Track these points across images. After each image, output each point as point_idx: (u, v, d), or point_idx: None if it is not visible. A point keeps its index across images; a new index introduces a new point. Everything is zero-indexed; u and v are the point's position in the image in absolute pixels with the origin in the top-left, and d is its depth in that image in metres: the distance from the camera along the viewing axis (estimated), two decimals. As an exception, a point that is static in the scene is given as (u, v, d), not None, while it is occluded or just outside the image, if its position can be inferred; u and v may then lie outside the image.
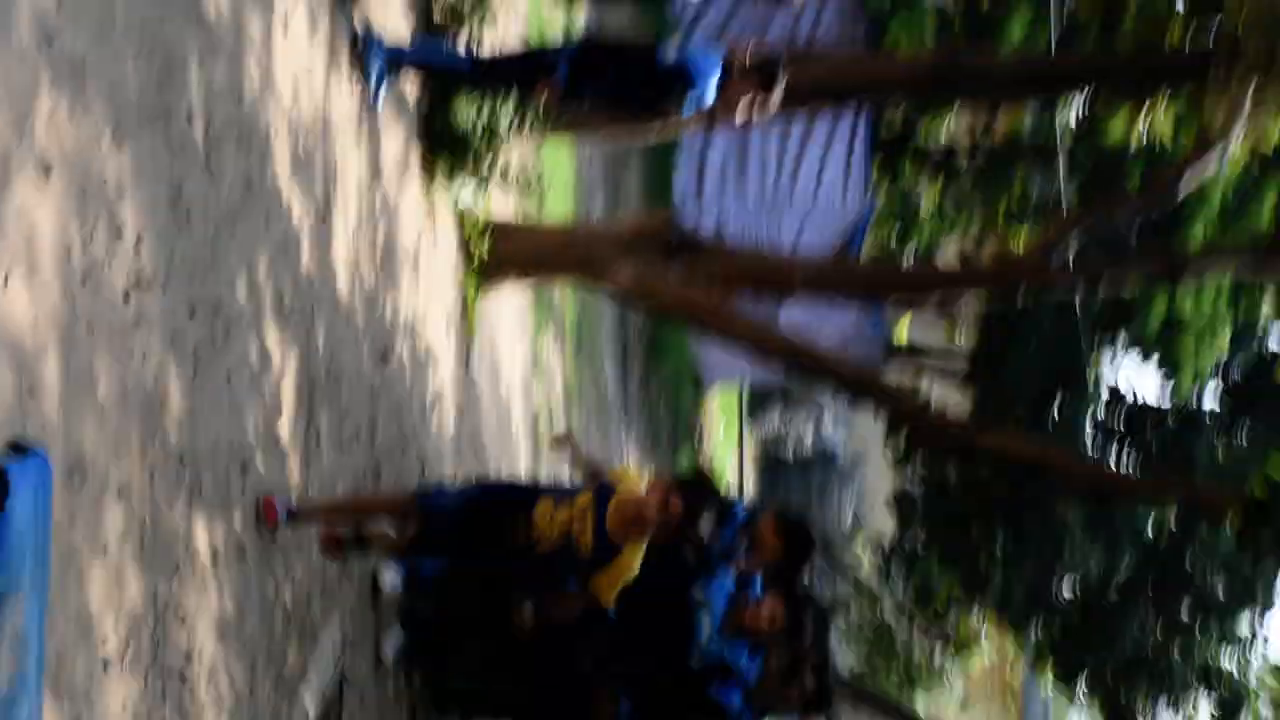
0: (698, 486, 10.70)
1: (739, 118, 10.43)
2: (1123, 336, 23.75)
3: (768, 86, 10.71)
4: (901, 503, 24.42)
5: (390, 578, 9.82)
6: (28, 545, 4.26)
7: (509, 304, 13.84)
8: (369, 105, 10.24)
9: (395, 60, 11.30)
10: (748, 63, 10.67)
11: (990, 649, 28.39)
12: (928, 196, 24.88)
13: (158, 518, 6.26)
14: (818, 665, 10.11)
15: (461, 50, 11.85)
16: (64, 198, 5.51)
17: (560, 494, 9.05)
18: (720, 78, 10.77)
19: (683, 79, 10.93)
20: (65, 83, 5.60)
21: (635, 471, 9.36)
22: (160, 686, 6.21)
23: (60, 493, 5.16)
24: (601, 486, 8.82)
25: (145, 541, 6.14)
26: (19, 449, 4.48)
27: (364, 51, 10.92)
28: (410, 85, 11.44)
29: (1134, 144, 20.61)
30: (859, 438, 32.76)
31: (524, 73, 11.77)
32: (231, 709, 7.00)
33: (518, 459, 14.64)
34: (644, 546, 9.04)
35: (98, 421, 5.69)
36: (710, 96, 10.92)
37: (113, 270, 5.90)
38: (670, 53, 10.92)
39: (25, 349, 5.06)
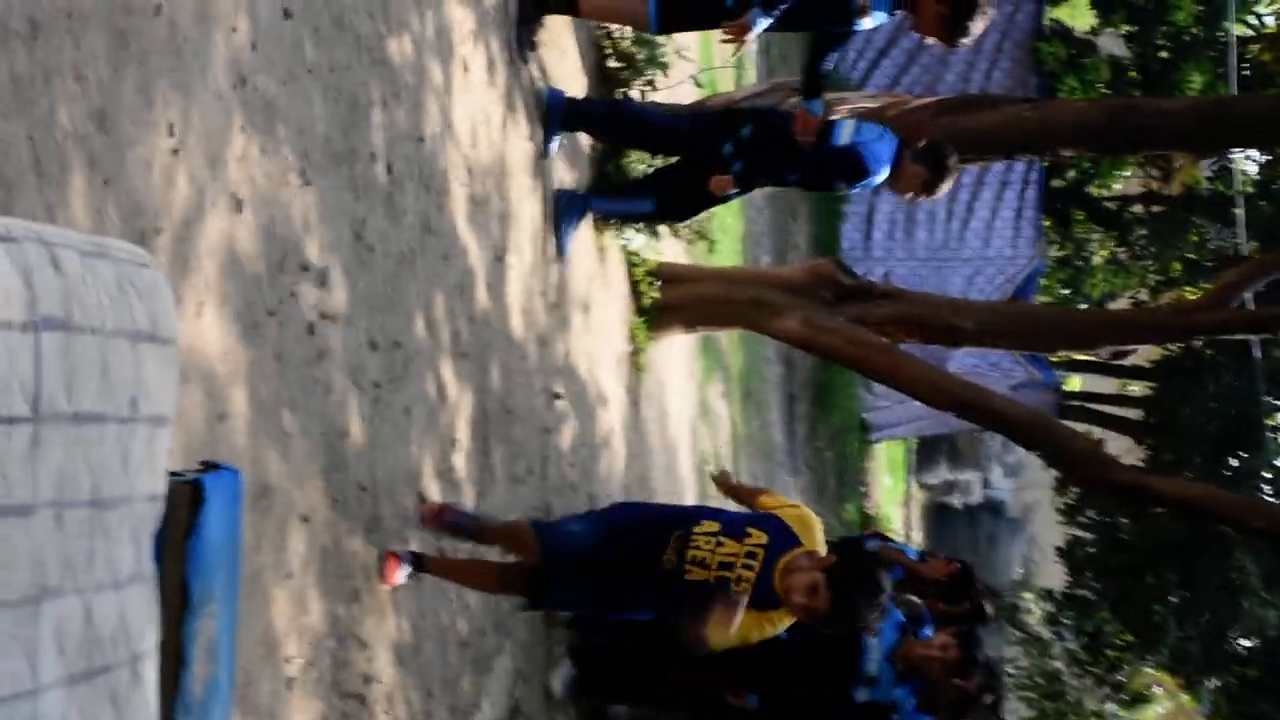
0: (860, 568, 8.84)
1: (906, 200, 10.31)
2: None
3: (938, 175, 10.55)
4: (1073, 552, 24.24)
5: (559, 679, 10.15)
6: (220, 556, 4.66)
7: (677, 350, 13.92)
8: (543, 152, 10.42)
9: (569, 123, 11.55)
10: (920, 150, 10.47)
11: (1165, 701, 27.78)
12: (1101, 247, 24.74)
13: (339, 545, 6.38)
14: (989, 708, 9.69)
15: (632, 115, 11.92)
16: (254, 232, 5.63)
17: (729, 521, 8.25)
18: (892, 162, 10.43)
19: (857, 168, 10.86)
20: (257, 122, 5.71)
21: (812, 521, 8.42)
22: (341, 708, 6.35)
23: (248, 516, 5.21)
24: (780, 531, 8.11)
25: (327, 567, 6.26)
26: (211, 467, 4.53)
27: (544, 110, 11.16)
28: (584, 135, 11.38)
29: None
30: (1028, 487, 32.49)
31: (698, 169, 11.57)
32: None
33: (685, 503, 14.82)
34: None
35: (283, 449, 5.79)
36: (880, 180, 10.69)
37: (299, 303, 6.03)
38: (843, 133, 10.77)
39: (216, 376, 5.17)
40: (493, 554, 8.44)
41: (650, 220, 12.04)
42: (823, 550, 7.65)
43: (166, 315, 3.62)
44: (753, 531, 7.81)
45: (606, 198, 11.82)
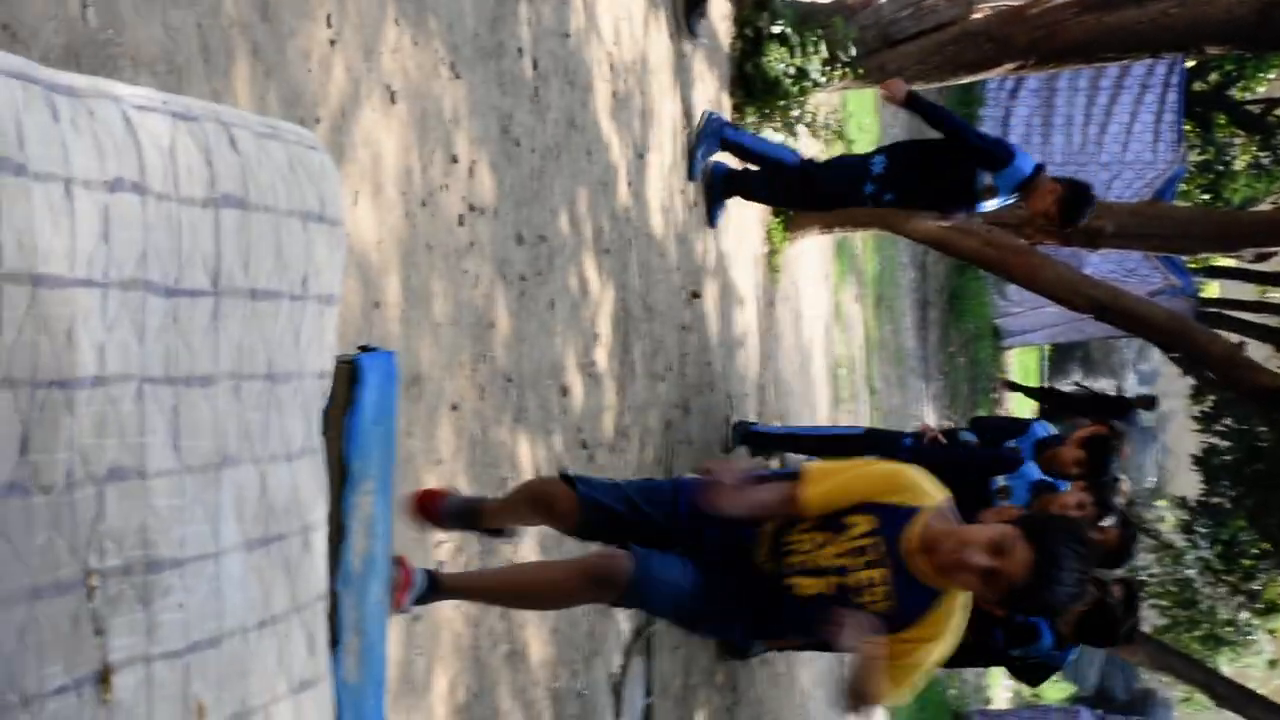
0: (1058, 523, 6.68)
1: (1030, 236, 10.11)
2: None
3: (1071, 216, 10.49)
4: (1208, 460, 24.07)
5: None
6: (376, 434, 4.82)
7: (813, 252, 13.98)
8: (684, 48, 10.52)
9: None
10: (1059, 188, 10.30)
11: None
12: (1243, 151, 24.42)
13: (486, 434, 6.50)
14: (1118, 621, 9.59)
15: None
16: (406, 125, 5.76)
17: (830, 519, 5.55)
18: (1029, 180, 10.52)
19: (1002, 155, 10.74)
20: (410, 15, 5.88)
21: (904, 475, 5.75)
22: None
23: (400, 401, 5.33)
24: (886, 508, 5.55)
25: (475, 455, 6.41)
26: (369, 350, 4.77)
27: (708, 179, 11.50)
28: (725, 28, 11.51)
29: None
30: (1163, 395, 32.01)
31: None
32: (556, 620, 7.55)
33: (818, 405, 14.78)
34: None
35: (434, 338, 5.98)
36: (1016, 183, 10.69)
37: (449, 195, 6.18)
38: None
39: (371, 265, 5.34)
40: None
41: (780, 175, 11.91)
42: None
43: (334, 197, 3.75)
44: (856, 523, 5.45)
45: (750, 137, 11.92)
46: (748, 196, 11.91)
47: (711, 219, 10.92)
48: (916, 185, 10.79)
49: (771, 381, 12.94)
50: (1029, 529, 4.90)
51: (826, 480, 5.41)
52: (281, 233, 3.58)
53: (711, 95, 10.98)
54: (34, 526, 2.79)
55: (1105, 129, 20.46)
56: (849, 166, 11.25)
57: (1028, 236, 9.99)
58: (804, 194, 11.81)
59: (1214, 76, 22.19)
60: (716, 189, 10.96)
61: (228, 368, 3.50)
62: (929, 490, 5.25)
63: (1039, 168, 10.21)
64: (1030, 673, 10.26)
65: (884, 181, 10.77)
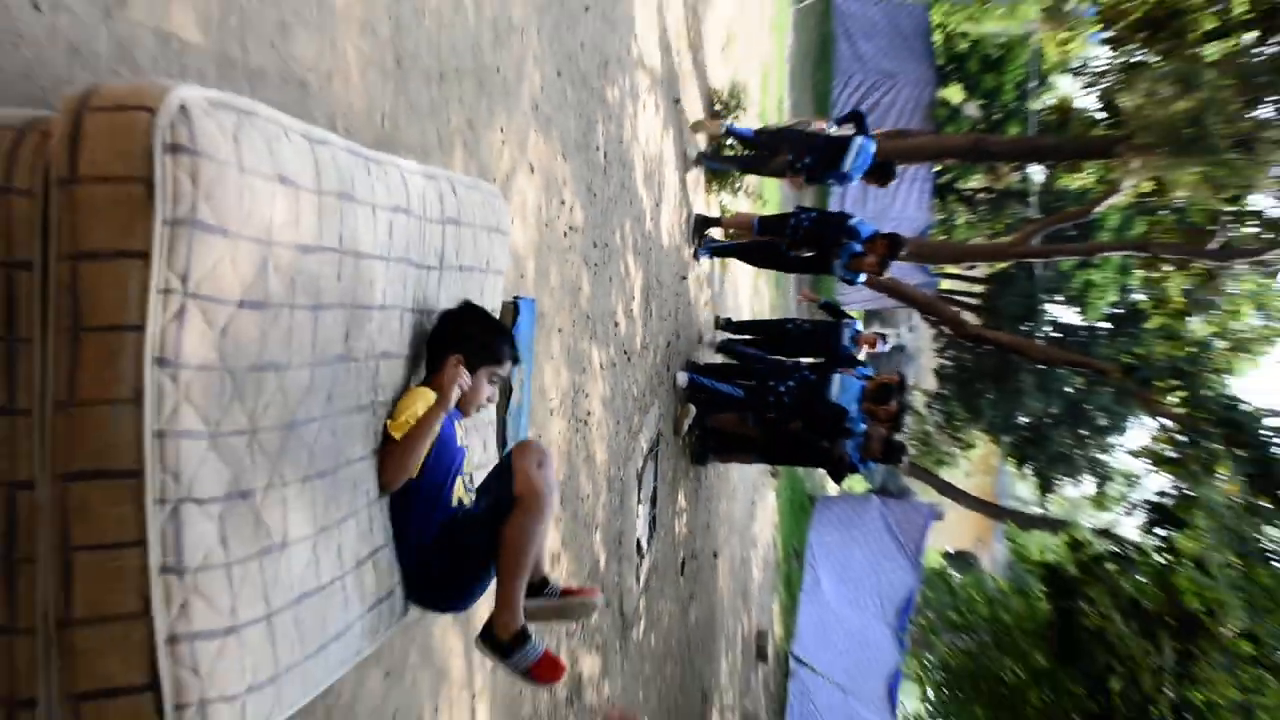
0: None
1: (861, 278, 10.66)
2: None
3: (893, 256, 9.86)
4: (941, 371, 24.69)
5: (681, 378, 10.29)
6: (527, 341, 5.34)
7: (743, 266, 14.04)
8: (686, 150, 11.02)
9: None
10: (883, 244, 9.98)
11: (983, 447, 27.92)
12: (961, 213, 24.73)
13: (576, 345, 7.24)
14: (894, 442, 10.00)
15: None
16: (539, 184, 6.55)
17: None
18: (871, 238, 10.08)
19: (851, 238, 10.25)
20: (542, 130, 6.59)
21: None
22: (575, 427, 7.17)
23: (536, 327, 6.19)
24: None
25: (570, 356, 7.05)
26: (519, 298, 5.21)
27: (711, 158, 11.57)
28: (704, 138, 12.29)
29: (1075, 187, 20.56)
30: (919, 334, 31.98)
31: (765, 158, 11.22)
32: (609, 441, 7.94)
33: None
34: None
35: (550, 294, 6.67)
36: (868, 237, 10.21)
37: (560, 221, 6.96)
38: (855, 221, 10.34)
39: (519, 256, 6.07)
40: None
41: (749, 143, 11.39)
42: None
43: (504, 220, 4.18)
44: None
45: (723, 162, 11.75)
46: (724, 255, 11.99)
47: (696, 256, 11.19)
48: (822, 240, 10.38)
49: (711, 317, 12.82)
50: (459, 351, 3.44)
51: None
52: (477, 237, 3.87)
53: (696, 176, 11.71)
54: (350, 377, 3.03)
55: (894, 199, 20.31)
56: (779, 221, 10.94)
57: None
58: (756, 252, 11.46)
59: (948, 174, 22.44)
60: (705, 248, 11.21)
61: (449, 304, 3.65)
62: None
63: (875, 232, 10.15)
64: (845, 473, 10.15)
65: (805, 234, 10.29)
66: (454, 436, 3.58)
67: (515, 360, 3.80)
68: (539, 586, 3.79)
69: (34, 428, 2.23)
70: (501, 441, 4.68)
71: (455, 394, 3.40)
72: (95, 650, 2.15)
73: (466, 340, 3.49)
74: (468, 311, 3.59)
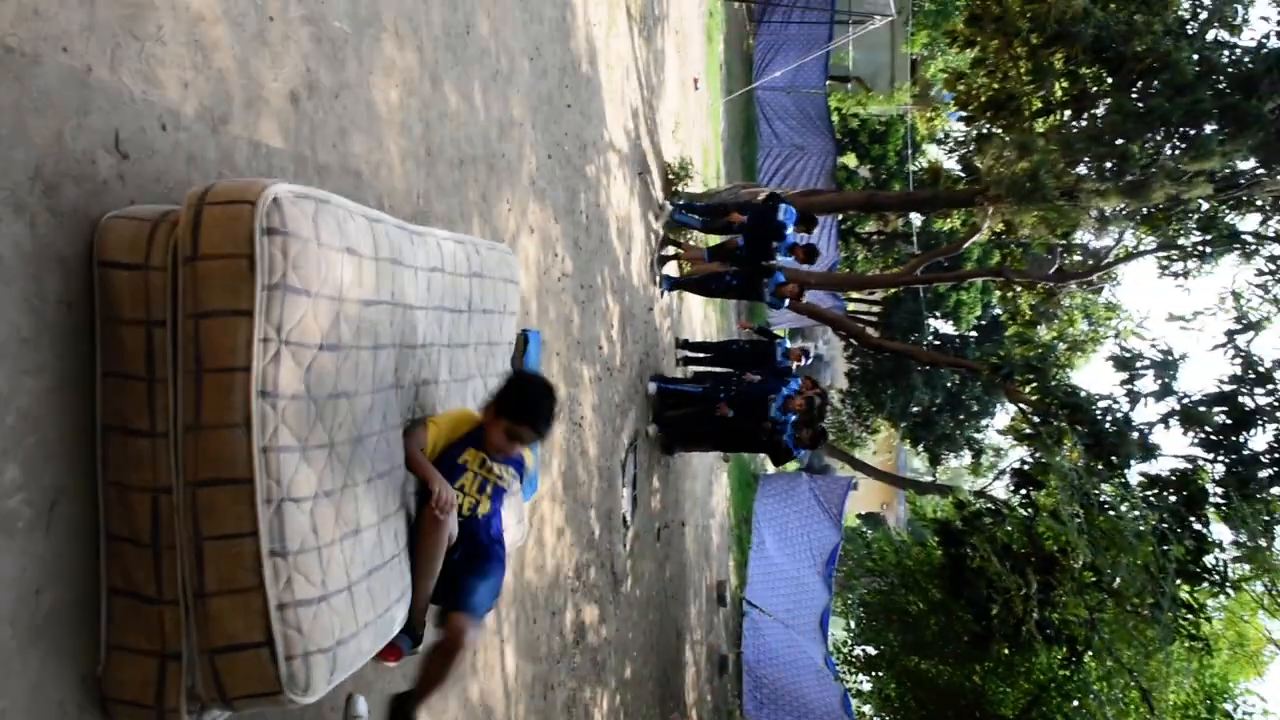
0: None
1: (785, 303, 10.89)
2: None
3: (810, 260, 10.08)
4: (852, 374, 24.80)
5: (651, 387, 10.17)
6: (534, 364, 5.31)
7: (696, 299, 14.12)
8: (647, 215, 10.71)
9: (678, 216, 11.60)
10: (801, 251, 10.11)
11: (886, 431, 27.85)
12: (860, 251, 24.44)
13: (570, 365, 7.16)
14: (819, 431, 10.30)
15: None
16: (537, 242, 6.54)
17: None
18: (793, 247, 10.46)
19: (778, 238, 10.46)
20: (539, 197, 6.57)
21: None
22: (572, 429, 7.09)
23: (542, 351, 6.29)
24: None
25: (566, 373, 6.98)
26: (528, 330, 5.26)
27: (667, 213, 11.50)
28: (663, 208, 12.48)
29: (946, 229, 20.31)
30: (833, 346, 31.63)
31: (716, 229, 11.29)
32: (598, 439, 7.85)
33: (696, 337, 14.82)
34: None
35: (549, 326, 6.59)
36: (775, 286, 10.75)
37: (555, 268, 6.94)
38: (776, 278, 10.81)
39: (524, 298, 6.05)
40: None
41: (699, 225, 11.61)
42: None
43: (516, 271, 4.16)
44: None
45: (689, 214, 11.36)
46: (681, 288, 11.89)
47: (662, 290, 11.01)
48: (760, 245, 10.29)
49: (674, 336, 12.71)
50: (511, 417, 3.19)
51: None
52: (496, 287, 3.95)
53: (655, 230, 11.38)
54: (397, 402, 3.12)
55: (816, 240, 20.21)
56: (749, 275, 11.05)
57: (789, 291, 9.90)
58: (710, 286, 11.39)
59: (849, 222, 22.21)
60: (665, 284, 11.16)
61: (474, 339, 3.76)
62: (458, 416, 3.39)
63: (794, 243, 10.21)
64: (783, 457, 10.37)
65: (745, 251, 10.22)
66: (462, 469, 3.25)
67: (540, 437, 3.32)
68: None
69: (170, 447, 2.30)
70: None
71: (438, 492, 2.97)
72: (224, 616, 2.23)
73: (516, 406, 3.16)
74: (528, 385, 3.31)
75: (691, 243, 12.58)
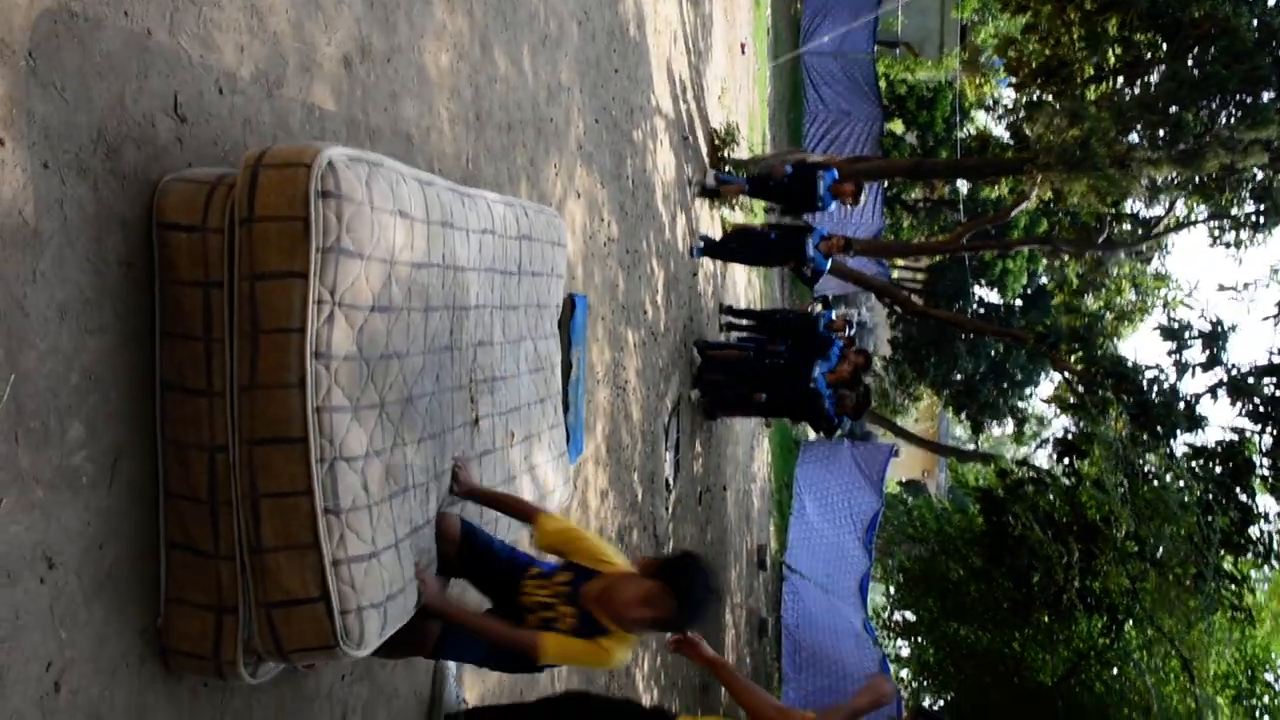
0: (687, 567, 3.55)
1: (828, 262, 10.84)
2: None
3: (846, 249, 10.34)
4: (894, 341, 24.37)
5: (695, 353, 10.15)
6: (580, 328, 4.99)
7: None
8: (691, 178, 10.84)
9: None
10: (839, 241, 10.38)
11: (928, 399, 27.74)
12: (906, 219, 24.10)
13: (616, 329, 7.17)
14: (863, 399, 10.27)
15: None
16: (585, 206, 6.56)
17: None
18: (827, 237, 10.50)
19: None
20: (585, 162, 6.55)
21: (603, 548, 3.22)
22: (616, 393, 7.13)
23: (589, 315, 6.37)
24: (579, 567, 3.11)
25: (611, 339, 6.99)
26: (575, 294, 5.29)
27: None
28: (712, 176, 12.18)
29: (993, 197, 19.89)
30: (877, 312, 31.57)
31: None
32: (642, 403, 7.85)
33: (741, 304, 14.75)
34: None
35: (595, 291, 6.63)
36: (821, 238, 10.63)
37: (601, 233, 6.94)
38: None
39: (571, 262, 6.07)
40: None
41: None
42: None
43: (563, 235, 4.09)
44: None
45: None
46: (714, 255, 11.72)
47: (695, 252, 10.47)
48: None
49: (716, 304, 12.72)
50: (668, 581, 2.81)
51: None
52: (544, 249, 3.86)
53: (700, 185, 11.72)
54: (453, 363, 3.10)
55: (857, 209, 19.96)
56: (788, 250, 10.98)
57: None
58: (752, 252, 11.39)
59: (896, 189, 21.92)
60: (698, 250, 10.76)
61: (524, 301, 3.69)
62: (613, 560, 3.07)
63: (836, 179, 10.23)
64: (825, 426, 10.21)
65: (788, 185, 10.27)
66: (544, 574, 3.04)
67: (671, 626, 2.99)
68: None
69: (226, 406, 2.32)
70: (565, 405, 4.63)
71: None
72: (281, 571, 2.26)
73: (681, 578, 2.74)
74: (707, 575, 2.88)
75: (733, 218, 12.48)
